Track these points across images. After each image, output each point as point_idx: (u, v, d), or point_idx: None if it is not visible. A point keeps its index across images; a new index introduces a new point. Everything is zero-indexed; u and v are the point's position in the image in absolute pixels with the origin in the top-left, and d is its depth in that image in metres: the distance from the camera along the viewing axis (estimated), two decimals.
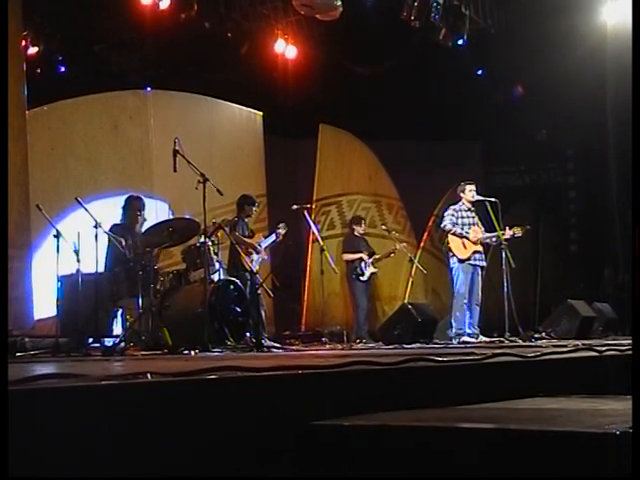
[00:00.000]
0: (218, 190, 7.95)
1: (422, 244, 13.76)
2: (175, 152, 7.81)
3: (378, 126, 13.37)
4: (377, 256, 11.95)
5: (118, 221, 8.64)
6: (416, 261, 12.39)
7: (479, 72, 13.51)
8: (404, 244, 12.20)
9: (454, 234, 10.04)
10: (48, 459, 2.27)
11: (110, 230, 8.24)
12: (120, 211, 8.81)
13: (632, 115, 4.30)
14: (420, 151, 14.50)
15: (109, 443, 2.39)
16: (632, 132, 4.25)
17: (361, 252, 11.86)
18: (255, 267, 9.63)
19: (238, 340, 8.16)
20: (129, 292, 8.04)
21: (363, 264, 11.77)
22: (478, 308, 10.00)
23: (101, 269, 8.01)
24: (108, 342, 7.65)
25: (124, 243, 8.14)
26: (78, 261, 7.77)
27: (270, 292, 9.84)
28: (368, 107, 13.22)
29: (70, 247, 7.77)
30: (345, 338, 11.05)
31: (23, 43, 9.67)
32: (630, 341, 6.42)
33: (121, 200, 9.13)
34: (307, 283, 12.75)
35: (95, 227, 7.83)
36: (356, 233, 12.10)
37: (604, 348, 5.23)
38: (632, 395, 2.74)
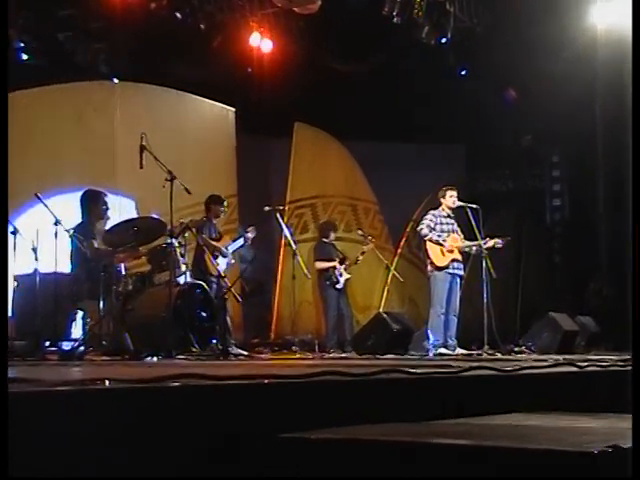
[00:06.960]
0: (186, 189, 7.95)
1: (399, 250, 13.59)
2: (142, 148, 7.79)
3: (356, 126, 13.05)
4: (348, 262, 11.58)
5: (80, 220, 8.34)
6: (392, 268, 12.12)
7: (462, 72, 13.24)
8: (371, 245, 11.79)
9: (430, 240, 9.81)
10: None
11: (76, 230, 8.01)
12: (79, 209, 8.52)
13: (632, 115, 4.26)
14: (400, 153, 14.12)
15: (62, 451, 2.34)
16: (632, 132, 4.18)
17: (333, 260, 11.53)
18: (222, 271, 9.41)
19: (204, 347, 8.08)
20: (90, 294, 7.83)
21: (337, 272, 11.41)
22: (456, 319, 9.82)
23: (61, 269, 7.84)
24: (66, 346, 7.61)
25: (95, 245, 7.95)
26: (36, 260, 7.67)
27: (238, 297, 9.54)
28: (346, 106, 12.86)
29: (28, 245, 7.64)
30: (316, 347, 10.89)
31: None
32: (613, 357, 6.66)
33: None
34: (278, 289, 12.52)
35: (55, 224, 7.64)
36: (326, 240, 11.74)
37: (586, 364, 5.16)
38: (632, 413, 2.68)
